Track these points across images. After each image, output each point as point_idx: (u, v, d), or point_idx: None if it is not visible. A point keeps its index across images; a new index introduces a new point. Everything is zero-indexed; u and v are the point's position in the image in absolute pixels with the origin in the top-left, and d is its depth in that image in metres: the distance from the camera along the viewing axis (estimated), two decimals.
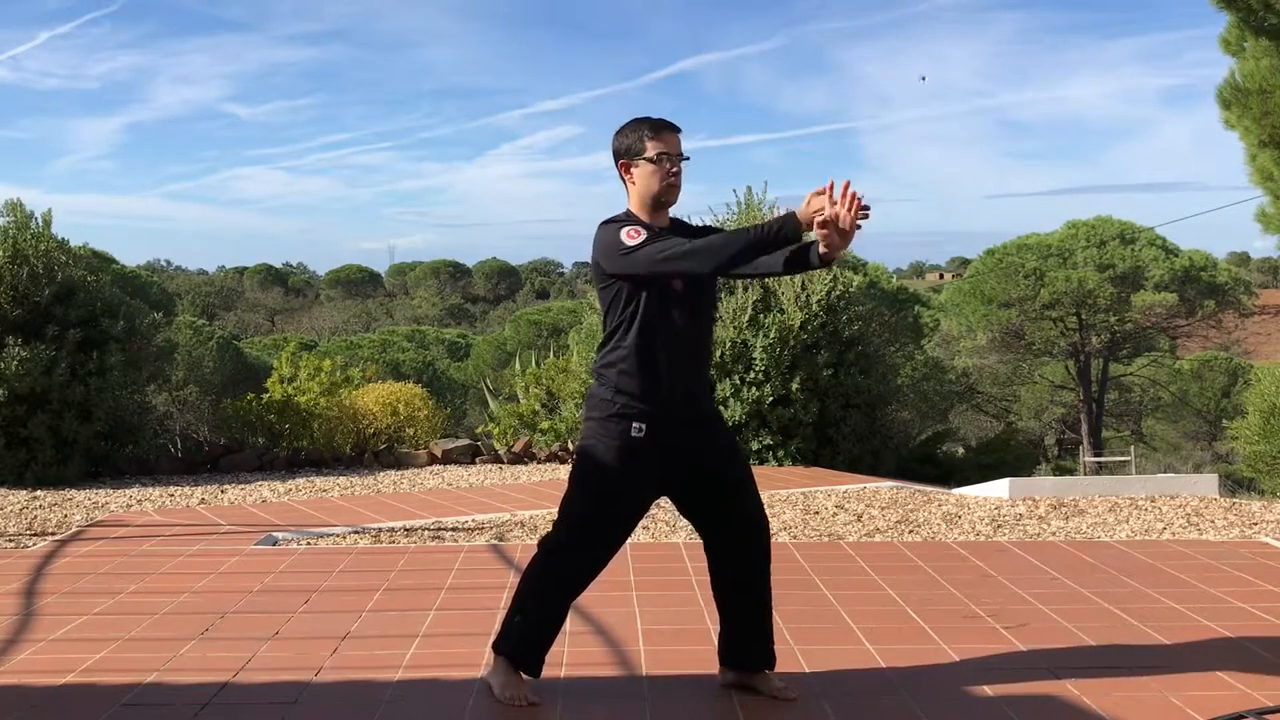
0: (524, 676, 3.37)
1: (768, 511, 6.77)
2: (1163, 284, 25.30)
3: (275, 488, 8.52)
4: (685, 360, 3.24)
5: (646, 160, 3.23)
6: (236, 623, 4.33)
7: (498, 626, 3.47)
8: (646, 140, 3.23)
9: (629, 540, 5.88)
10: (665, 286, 3.20)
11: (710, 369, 3.31)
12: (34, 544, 6.15)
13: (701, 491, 3.31)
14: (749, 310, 9.63)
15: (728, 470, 3.30)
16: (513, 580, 4.96)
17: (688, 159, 3.26)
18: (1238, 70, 7.77)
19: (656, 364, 3.20)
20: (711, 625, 4.20)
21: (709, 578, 3.42)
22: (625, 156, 3.27)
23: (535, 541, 5.97)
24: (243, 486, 8.59)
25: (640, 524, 5.41)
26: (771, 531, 6.15)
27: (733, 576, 3.36)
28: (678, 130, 3.27)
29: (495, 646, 3.40)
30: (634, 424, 3.20)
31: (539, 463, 10.06)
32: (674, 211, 3.36)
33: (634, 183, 3.26)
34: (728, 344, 9.59)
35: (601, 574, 5.05)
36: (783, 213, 3.08)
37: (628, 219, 3.26)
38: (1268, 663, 3.70)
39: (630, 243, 3.14)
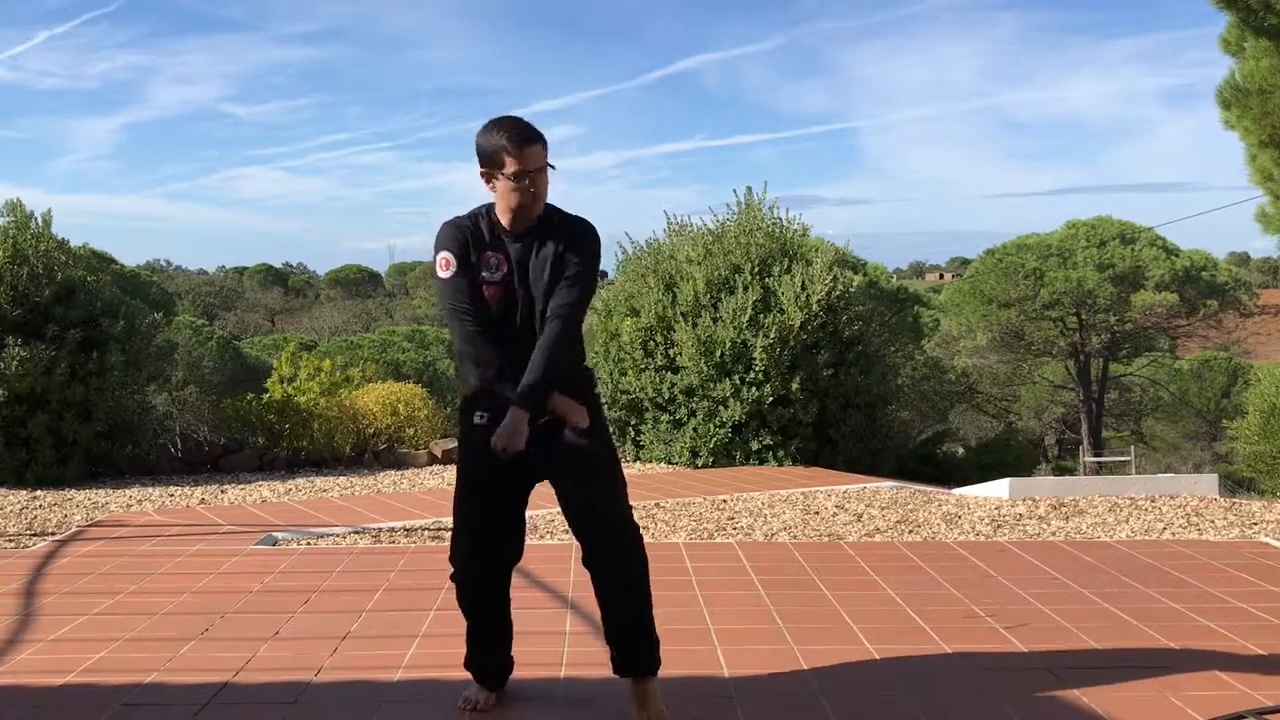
0: (484, 688, 3.39)
1: (769, 512, 6.80)
2: (1163, 284, 25.29)
3: (275, 488, 8.52)
4: (510, 358, 3.10)
5: (505, 178, 3.08)
6: (236, 623, 4.33)
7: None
8: (507, 156, 3.06)
9: None
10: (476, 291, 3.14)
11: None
12: (34, 544, 6.15)
13: (555, 482, 3.26)
14: (749, 310, 9.63)
15: (566, 463, 3.20)
16: (512, 580, 4.96)
17: (554, 167, 3.14)
18: (1238, 70, 7.77)
19: (480, 362, 3.13)
20: (712, 625, 4.20)
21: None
22: (487, 166, 3.11)
23: (537, 542, 5.97)
24: (243, 486, 8.59)
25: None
26: (771, 531, 6.19)
27: (592, 573, 3.25)
28: (541, 140, 3.10)
29: None
30: (476, 413, 3.19)
31: None
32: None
33: (494, 192, 3.13)
34: (728, 344, 9.59)
35: None
36: (520, 409, 3.03)
37: (452, 234, 3.14)
38: (1268, 663, 3.70)
39: (441, 274, 3.15)
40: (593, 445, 3.23)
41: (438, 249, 3.16)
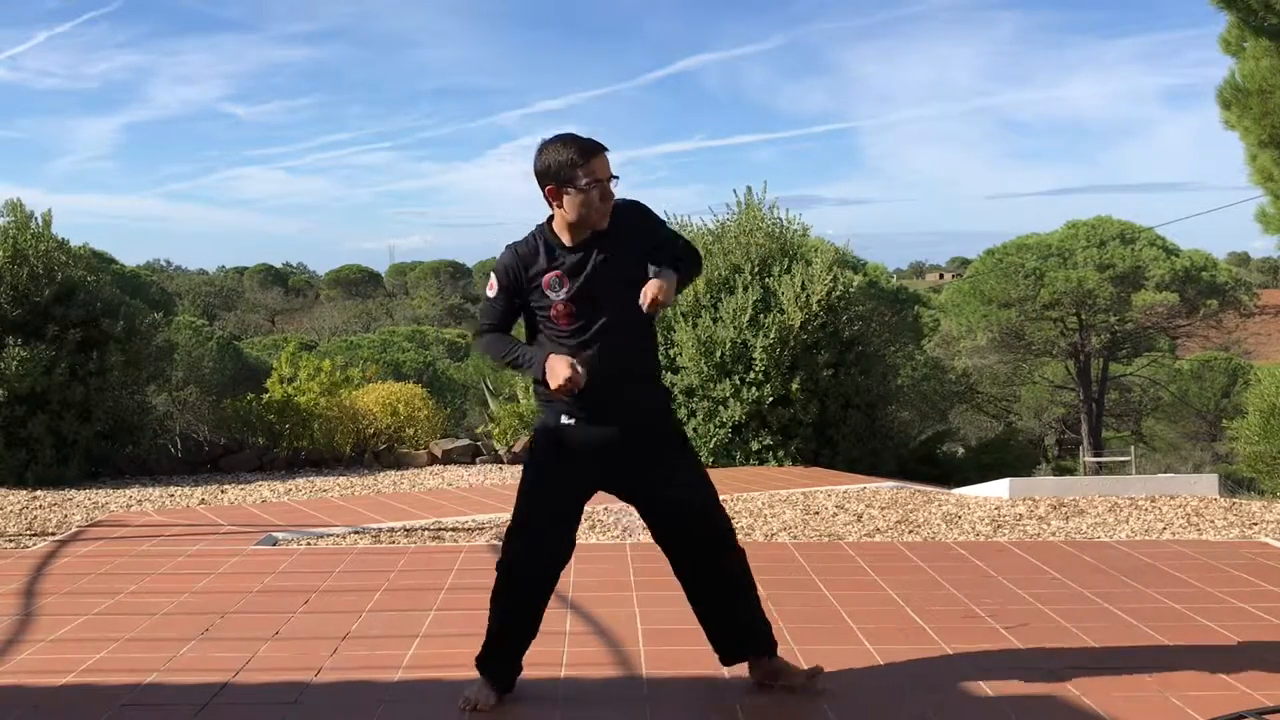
0: (494, 689, 3.38)
1: (769, 512, 6.80)
2: (1163, 284, 25.28)
3: (275, 488, 8.52)
4: (593, 363, 3.20)
5: (578, 190, 3.16)
6: (236, 623, 4.33)
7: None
8: (578, 169, 3.15)
9: (627, 541, 5.90)
10: (544, 313, 3.26)
11: (631, 371, 3.29)
12: (34, 544, 6.15)
13: (639, 484, 3.34)
14: (749, 310, 9.63)
15: (661, 463, 3.32)
16: None
17: (617, 178, 3.22)
18: (1238, 70, 7.77)
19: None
20: None
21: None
22: (554, 182, 3.19)
23: None
24: (243, 486, 8.58)
25: (640, 525, 5.43)
26: (771, 531, 6.18)
27: (700, 579, 3.38)
28: (605, 150, 3.22)
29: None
30: (562, 415, 3.28)
31: None
32: (664, 203, 3.39)
33: (561, 207, 3.21)
34: (728, 344, 9.59)
35: (602, 574, 5.05)
36: (544, 359, 3.18)
37: (507, 261, 3.28)
38: (1268, 663, 3.70)
39: (487, 293, 3.37)
40: (688, 458, 3.38)
41: (491, 273, 3.34)
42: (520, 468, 3.81)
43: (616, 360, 3.23)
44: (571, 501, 3.35)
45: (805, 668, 3.48)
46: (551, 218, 3.28)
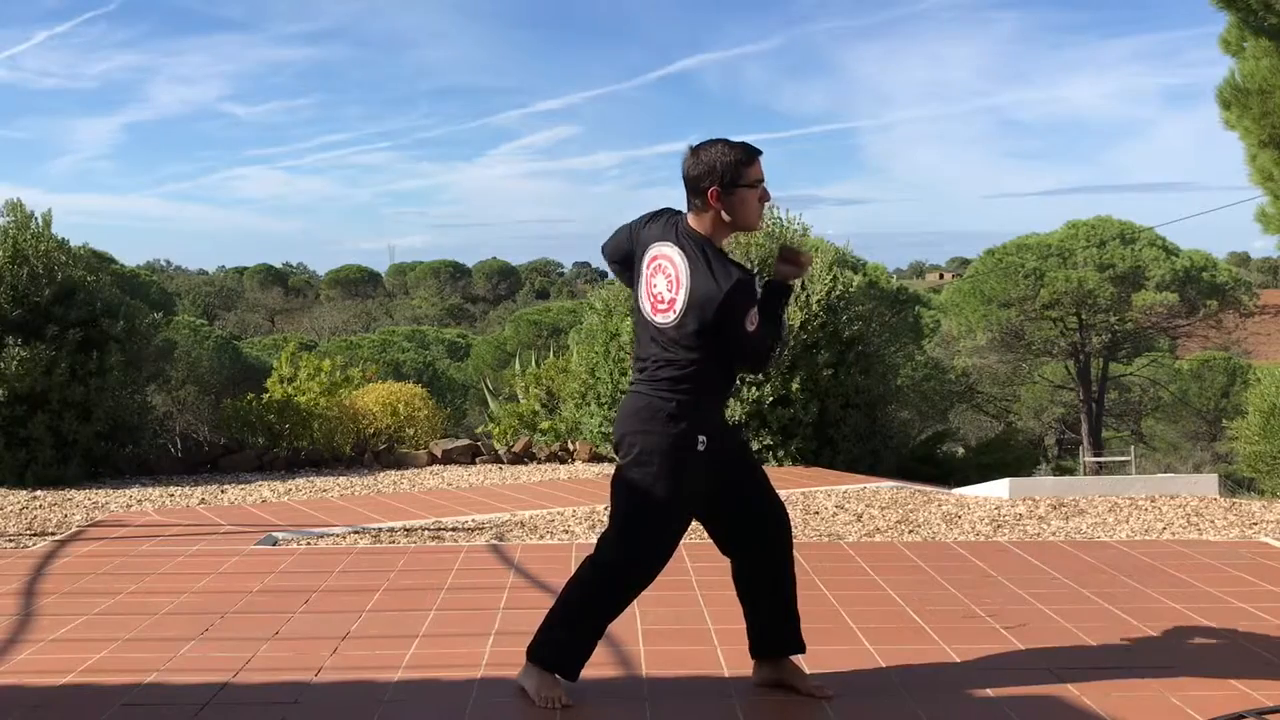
0: (559, 679, 3.36)
1: None
2: (1163, 284, 25.31)
3: (275, 488, 8.52)
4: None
5: (746, 187, 3.11)
6: (236, 623, 4.33)
7: (534, 632, 3.40)
8: (744, 168, 3.11)
9: None
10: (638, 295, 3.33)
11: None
12: (34, 544, 6.15)
13: (729, 498, 3.38)
14: None
15: (744, 468, 3.41)
16: (513, 580, 4.96)
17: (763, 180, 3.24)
18: (1238, 70, 7.77)
19: (718, 388, 3.32)
20: (712, 625, 4.20)
21: (731, 577, 3.48)
22: (718, 183, 3.10)
23: (537, 541, 5.97)
24: (243, 486, 8.58)
25: None
26: None
27: (752, 571, 3.43)
28: (761, 153, 3.21)
29: (531, 653, 3.37)
30: (700, 437, 3.22)
31: (539, 463, 10.06)
32: (664, 203, 3.40)
33: (729, 211, 3.13)
34: None
35: None
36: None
37: (735, 275, 3.09)
38: (1268, 663, 3.70)
39: (750, 328, 3.13)
40: (759, 469, 3.49)
41: (749, 306, 3.12)
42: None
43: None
44: (688, 520, 3.37)
45: (808, 673, 3.48)
46: (686, 216, 3.21)
